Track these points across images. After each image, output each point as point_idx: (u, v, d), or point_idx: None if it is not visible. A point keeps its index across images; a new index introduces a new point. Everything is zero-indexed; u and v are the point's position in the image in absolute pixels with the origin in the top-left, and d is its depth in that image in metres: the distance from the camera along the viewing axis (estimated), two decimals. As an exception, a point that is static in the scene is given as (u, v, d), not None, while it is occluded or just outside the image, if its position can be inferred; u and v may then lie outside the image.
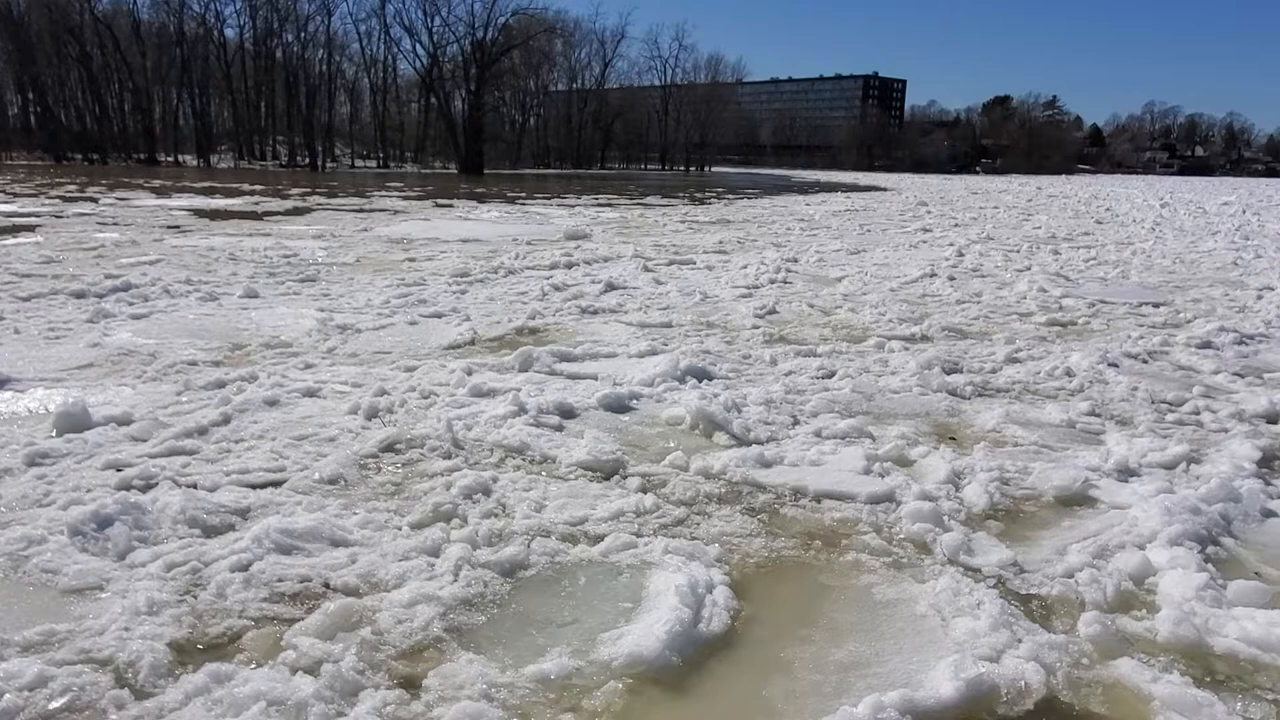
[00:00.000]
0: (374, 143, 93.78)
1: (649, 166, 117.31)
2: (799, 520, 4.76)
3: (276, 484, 4.96)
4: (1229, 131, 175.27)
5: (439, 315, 10.36)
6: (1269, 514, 4.95)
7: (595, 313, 10.86)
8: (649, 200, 39.55)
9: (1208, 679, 3.39)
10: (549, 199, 38.85)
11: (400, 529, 4.41)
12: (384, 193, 39.94)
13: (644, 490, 5.03)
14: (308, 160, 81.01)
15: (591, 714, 3.08)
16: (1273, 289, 14.24)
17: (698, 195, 46.25)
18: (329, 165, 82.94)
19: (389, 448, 5.60)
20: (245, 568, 3.94)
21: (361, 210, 28.37)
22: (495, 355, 8.38)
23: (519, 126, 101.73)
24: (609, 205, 35.33)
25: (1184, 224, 30.03)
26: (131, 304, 10.40)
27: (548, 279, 13.18)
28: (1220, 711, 3.12)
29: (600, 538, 4.38)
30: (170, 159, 78.59)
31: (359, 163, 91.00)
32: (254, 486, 4.90)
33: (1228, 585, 3.97)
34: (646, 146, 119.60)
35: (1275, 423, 6.82)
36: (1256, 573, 4.24)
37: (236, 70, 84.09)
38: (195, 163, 77.75)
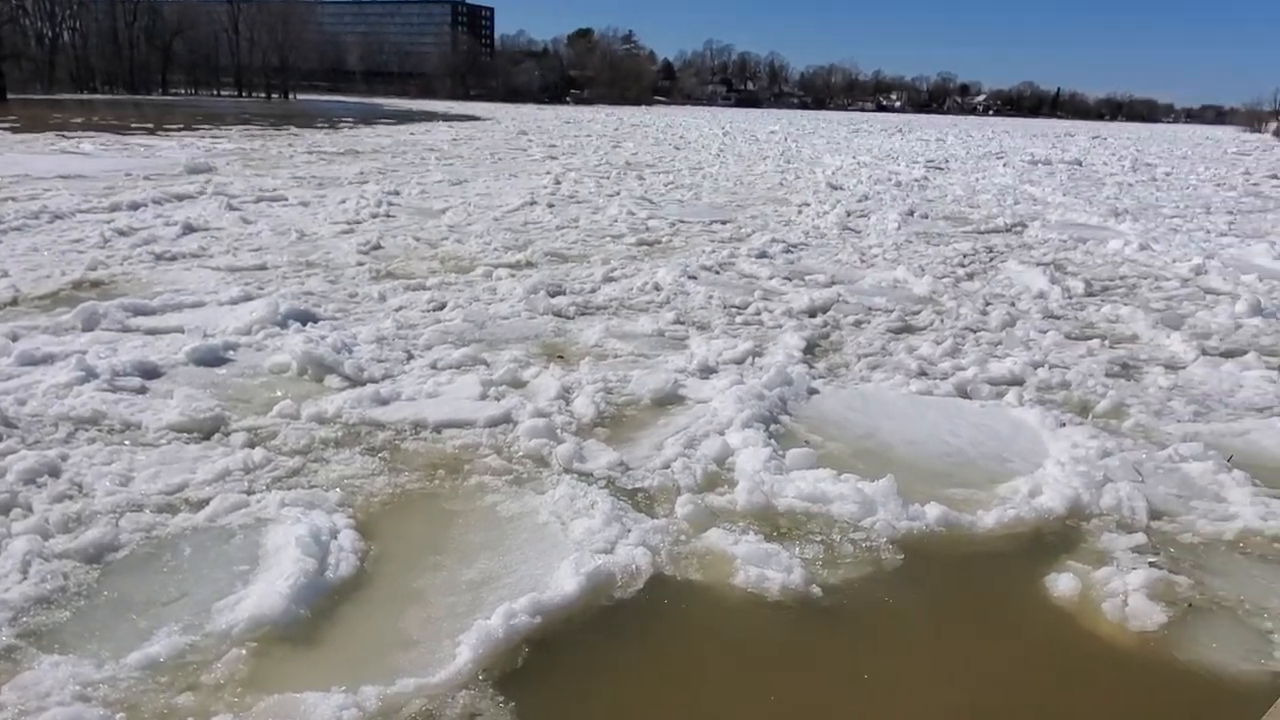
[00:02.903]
0: None
1: (222, 93, 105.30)
2: (421, 453, 4.78)
3: None
4: (771, 68, 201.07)
5: (-38, 273, 8.53)
6: (813, 391, 5.97)
7: (174, 259, 9.67)
8: (261, 131, 35.69)
9: (775, 533, 4.06)
10: (142, 129, 33.58)
11: (-61, 532, 3.66)
12: None
13: (252, 445, 4.69)
14: None
15: (214, 688, 2.87)
16: (809, 205, 16.85)
17: (313, 125, 42.62)
18: None
19: (-91, 438, 4.57)
20: None
21: None
22: (48, 315, 7.14)
23: (49, 42, 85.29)
24: (220, 136, 31.55)
25: (741, 150, 34.17)
26: None
27: (109, 223, 11.42)
28: (784, 557, 3.76)
29: (205, 502, 4.02)
30: None
31: None
32: None
33: (786, 454, 4.75)
34: (217, 70, 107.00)
35: (814, 316, 8.17)
36: (806, 440, 5.11)
37: None
38: None
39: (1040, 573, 3.86)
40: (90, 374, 5.48)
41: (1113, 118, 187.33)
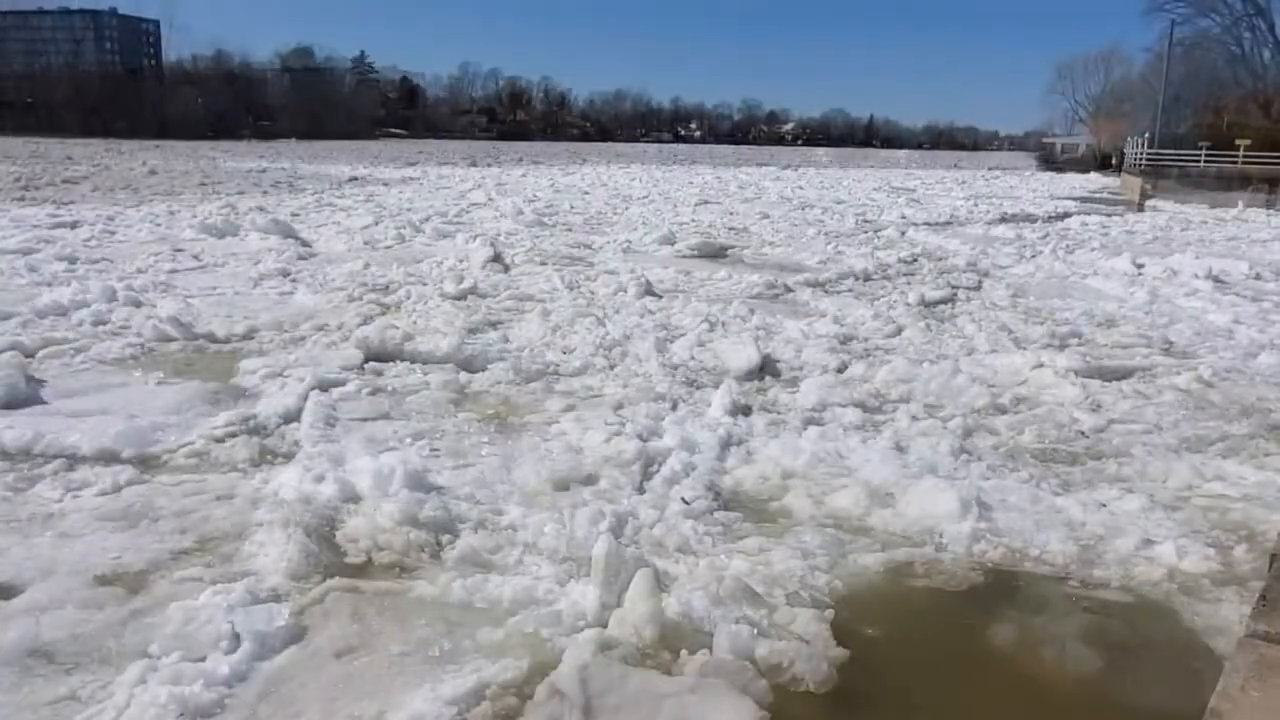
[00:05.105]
0: None
1: None
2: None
3: None
4: (547, 94, 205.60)
5: None
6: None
7: None
8: None
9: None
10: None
11: None
12: None
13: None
14: None
15: None
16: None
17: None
18: None
19: None
20: None
21: None
22: None
23: None
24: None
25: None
26: None
27: None
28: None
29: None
30: None
31: None
32: None
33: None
34: None
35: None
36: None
37: None
38: None
39: (981, 624, 4.59)
40: None
41: (934, 146, 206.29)
